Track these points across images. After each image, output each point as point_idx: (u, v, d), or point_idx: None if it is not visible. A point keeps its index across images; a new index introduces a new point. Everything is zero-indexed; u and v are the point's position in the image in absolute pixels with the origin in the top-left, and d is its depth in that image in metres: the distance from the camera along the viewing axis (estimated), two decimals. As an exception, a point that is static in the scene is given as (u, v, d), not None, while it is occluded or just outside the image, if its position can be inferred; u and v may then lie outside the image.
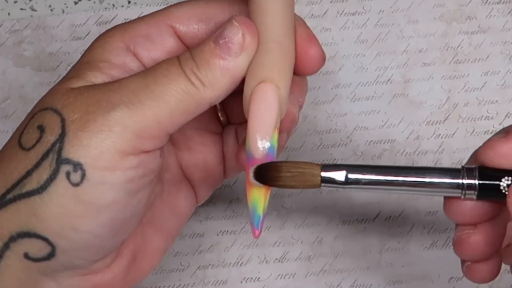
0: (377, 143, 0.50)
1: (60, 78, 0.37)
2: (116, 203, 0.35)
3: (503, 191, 0.34)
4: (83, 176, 0.34)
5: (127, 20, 0.39)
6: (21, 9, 0.54)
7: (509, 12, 0.53)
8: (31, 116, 0.36)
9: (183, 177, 0.41)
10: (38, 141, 0.34)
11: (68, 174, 0.34)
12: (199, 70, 0.35)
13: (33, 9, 0.53)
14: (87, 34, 0.52)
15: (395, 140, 0.50)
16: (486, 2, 0.53)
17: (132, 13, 0.53)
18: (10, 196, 0.34)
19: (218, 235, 0.48)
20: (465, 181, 0.35)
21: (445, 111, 0.51)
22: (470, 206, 0.35)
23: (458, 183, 0.35)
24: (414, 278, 0.46)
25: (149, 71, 0.35)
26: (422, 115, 0.50)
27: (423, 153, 0.50)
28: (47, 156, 0.34)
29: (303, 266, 0.47)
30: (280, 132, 0.36)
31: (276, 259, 0.47)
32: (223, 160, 0.41)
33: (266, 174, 0.35)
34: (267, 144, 0.35)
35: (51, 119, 0.35)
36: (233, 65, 0.35)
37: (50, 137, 0.34)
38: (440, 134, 0.50)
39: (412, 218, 0.48)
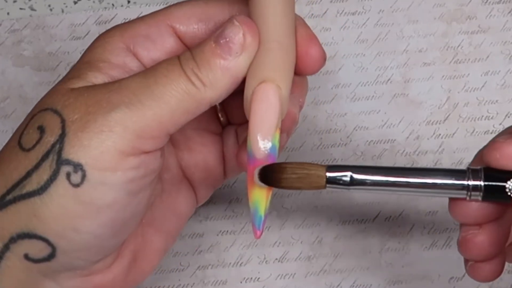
0: (377, 143, 0.50)
1: (59, 78, 0.37)
2: (116, 204, 0.35)
3: (509, 193, 0.34)
4: (84, 176, 0.34)
5: (127, 20, 0.39)
6: (21, 8, 0.53)
7: (509, 12, 0.53)
8: (31, 116, 0.36)
9: (183, 177, 0.41)
10: (38, 141, 0.34)
11: (68, 175, 0.34)
12: (199, 70, 0.35)
13: (32, 9, 0.53)
14: (87, 34, 0.52)
15: (395, 140, 0.50)
16: (486, 2, 0.53)
17: (131, 13, 0.53)
18: (10, 197, 0.34)
19: (217, 235, 0.47)
20: (471, 183, 0.35)
21: (445, 111, 0.50)
22: (475, 207, 0.35)
23: (463, 185, 0.35)
24: (414, 278, 0.46)
25: (150, 71, 0.35)
26: (422, 115, 0.50)
27: (423, 153, 0.49)
28: (47, 157, 0.34)
29: (303, 266, 0.47)
30: (280, 132, 0.36)
31: (276, 259, 0.47)
32: (223, 161, 0.41)
33: (271, 175, 0.35)
34: (268, 144, 0.35)
35: (51, 119, 0.35)
36: (234, 65, 0.35)
37: (50, 138, 0.34)
38: (440, 134, 0.50)
39: (412, 218, 0.48)
